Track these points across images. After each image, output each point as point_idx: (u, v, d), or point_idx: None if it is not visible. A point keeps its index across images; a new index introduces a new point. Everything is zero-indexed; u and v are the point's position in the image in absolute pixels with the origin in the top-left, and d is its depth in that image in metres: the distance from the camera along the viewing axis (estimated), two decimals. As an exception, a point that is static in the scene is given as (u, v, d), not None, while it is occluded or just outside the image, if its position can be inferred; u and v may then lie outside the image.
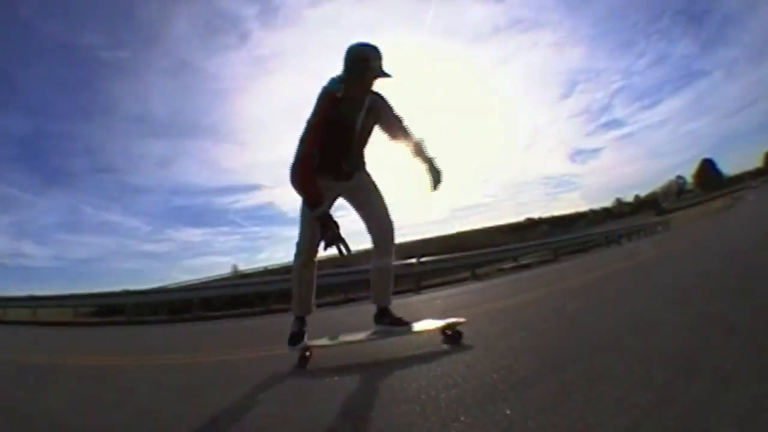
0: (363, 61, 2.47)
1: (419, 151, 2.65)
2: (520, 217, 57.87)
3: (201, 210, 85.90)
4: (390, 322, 2.58)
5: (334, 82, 2.51)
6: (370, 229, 2.59)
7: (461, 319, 2.60)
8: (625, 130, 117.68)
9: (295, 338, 2.55)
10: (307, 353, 2.49)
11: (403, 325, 2.56)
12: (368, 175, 2.69)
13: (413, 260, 10.74)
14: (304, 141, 2.45)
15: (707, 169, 75.75)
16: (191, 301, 10.11)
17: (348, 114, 2.54)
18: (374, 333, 2.56)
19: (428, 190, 2.62)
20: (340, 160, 2.58)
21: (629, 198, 70.63)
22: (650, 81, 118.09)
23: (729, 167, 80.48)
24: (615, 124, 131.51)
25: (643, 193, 72.91)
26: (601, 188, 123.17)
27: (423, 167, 2.64)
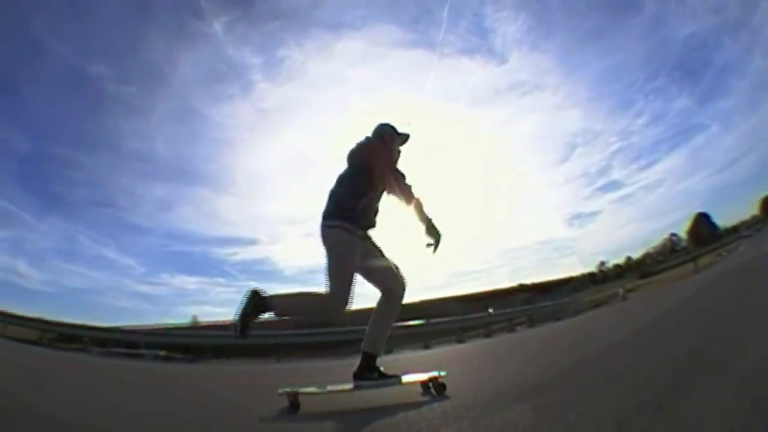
0: (393, 131, 3.22)
1: (419, 210, 3.02)
2: (514, 283, 57.84)
3: (198, 258, 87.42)
4: (379, 376, 2.88)
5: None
6: (383, 283, 3.00)
7: (443, 373, 2.90)
8: (623, 191, 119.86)
9: None
10: (296, 399, 2.70)
11: (390, 378, 2.88)
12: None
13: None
14: (386, 159, 3.08)
15: (701, 223, 76.85)
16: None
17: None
18: (361, 384, 2.83)
19: (430, 252, 2.95)
20: (374, 217, 3.09)
21: (620, 261, 70.96)
22: (648, 140, 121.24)
23: (725, 219, 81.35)
24: (613, 186, 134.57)
25: (635, 255, 73.22)
26: (599, 252, 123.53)
27: (421, 228, 2.99)
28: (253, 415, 2.74)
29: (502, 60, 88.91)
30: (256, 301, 2.80)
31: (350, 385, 2.81)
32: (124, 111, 69.40)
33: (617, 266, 67.77)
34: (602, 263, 70.22)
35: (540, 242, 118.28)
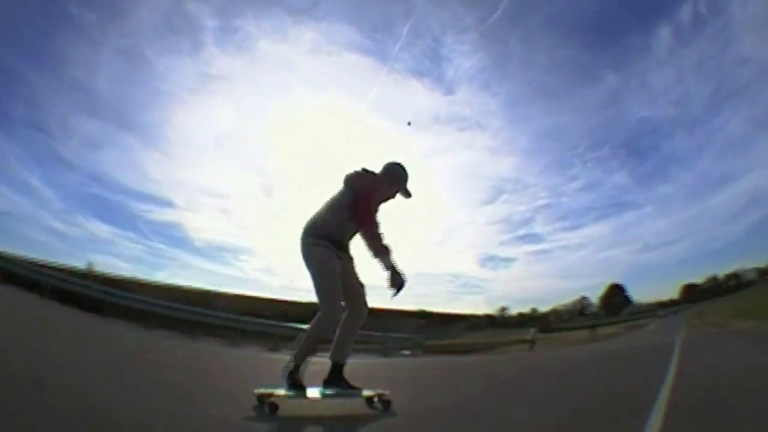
0: (403, 179, 3.54)
1: (387, 258, 3.27)
2: (416, 307, 56.19)
3: (114, 207, 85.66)
4: (347, 387, 3.23)
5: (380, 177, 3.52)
6: (353, 303, 3.31)
7: (386, 391, 3.32)
8: (542, 246, 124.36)
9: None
10: (272, 400, 2.89)
11: (355, 389, 3.24)
12: (352, 257, 3.42)
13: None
14: (369, 208, 3.36)
15: (615, 294, 78.68)
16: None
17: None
18: (332, 393, 3.18)
19: (391, 294, 3.26)
20: (347, 240, 3.38)
21: (526, 310, 71.85)
22: (577, 204, 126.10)
23: (642, 295, 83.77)
24: (533, 238, 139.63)
25: (543, 308, 74.22)
26: (506, 297, 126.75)
27: (386, 273, 3.24)
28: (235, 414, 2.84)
29: (449, 90, 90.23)
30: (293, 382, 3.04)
31: (319, 391, 3.14)
32: (78, 37, 66.11)
33: (521, 314, 68.15)
34: (504, 308, 70.60)
35: (451, 274, 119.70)
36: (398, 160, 3.55)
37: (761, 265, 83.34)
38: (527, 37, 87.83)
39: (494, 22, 77.76)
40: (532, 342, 23.68)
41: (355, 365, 3.84)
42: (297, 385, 2.98)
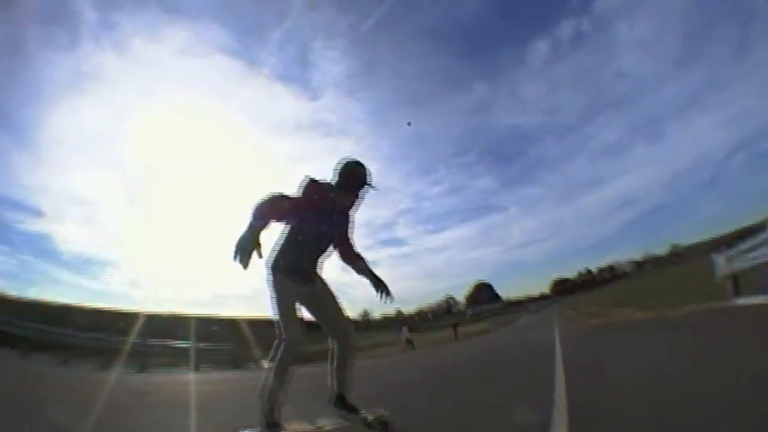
0: (360, 179, 3.11)
1: (366, 268, 3.29)
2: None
3: None
4: (350, 409, 3.12)
5: (329, 185, 3.13)
6: (335, 330, 3.18)
7: (385, 412, 3.16)
8: (405, 249, 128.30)
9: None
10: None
11: (358, 413, 3.13)
12: (324, 280, 3.21)
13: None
14: (280, 198, 2.90)
15: (482, 291, 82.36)
16: None
17: (329, 219, 3.09)
18: (324, 425, 3.05)
19: (383, 302, 3.34)
20: (308, 264, 3.11)
21: (390, 312, 73.32)
22: (441, 208, 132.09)
23: (511, 291, 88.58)
24: (395, 242, 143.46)
25: (408, 309, 75.91)
26: (369, 301, 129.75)
27: (370, 283, 3.28)
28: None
29: (315, 96, 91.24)
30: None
31: (310, 423, 3.06)
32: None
33: (385, 317, 68.58)
34: (366, 312, 70.48)
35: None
36: (352, 158, 3.20)
37: (637, 257, 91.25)
38: (398, 45, 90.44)
39: (366, 29, 78.72)
40: (410, 342, 24.49)
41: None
42: (275, 426, 2.84)
